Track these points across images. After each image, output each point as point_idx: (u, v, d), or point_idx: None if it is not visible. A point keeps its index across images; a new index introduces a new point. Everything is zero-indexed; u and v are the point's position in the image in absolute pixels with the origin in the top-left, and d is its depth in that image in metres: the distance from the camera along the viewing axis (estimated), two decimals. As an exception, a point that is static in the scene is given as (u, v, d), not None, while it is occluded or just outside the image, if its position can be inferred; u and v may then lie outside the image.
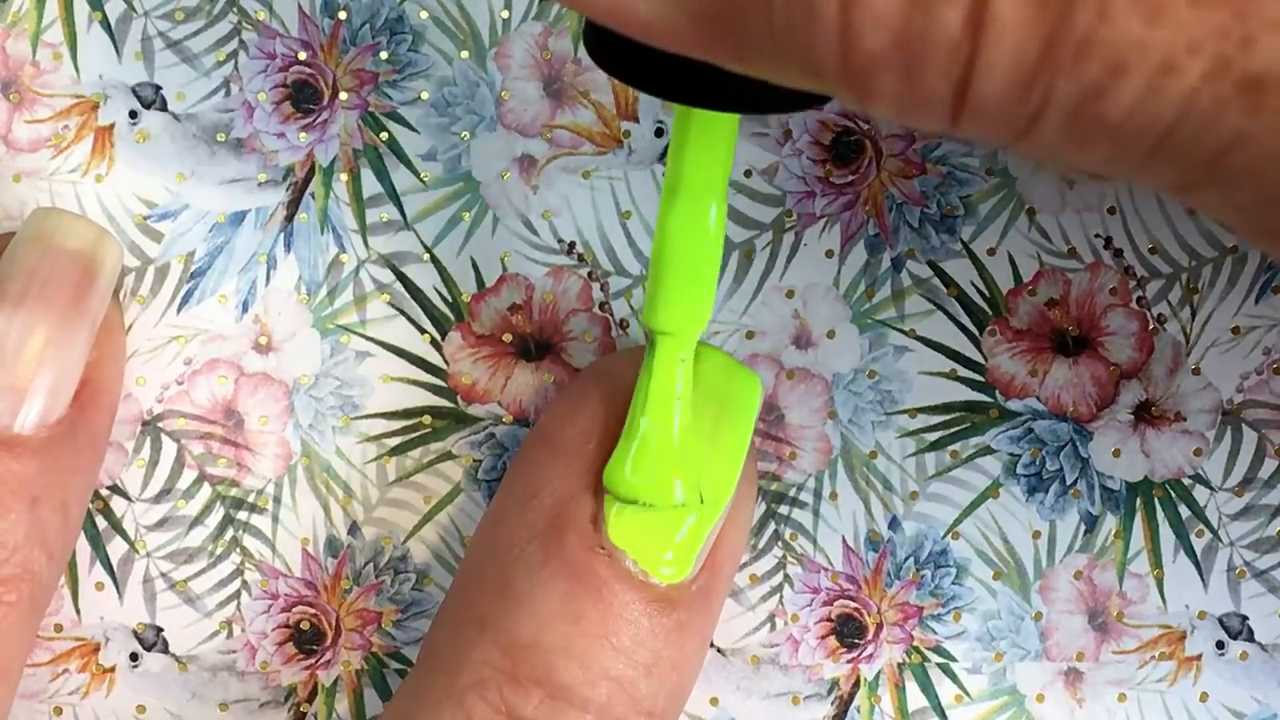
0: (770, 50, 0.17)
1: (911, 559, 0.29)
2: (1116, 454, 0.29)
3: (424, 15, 0.28)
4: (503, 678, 0.25)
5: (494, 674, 0.25)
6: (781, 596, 0.29)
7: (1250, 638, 0.29)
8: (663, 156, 0.28)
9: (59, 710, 0.29)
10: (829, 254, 0.28)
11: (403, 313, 0.28)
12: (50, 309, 0.26)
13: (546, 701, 0.25)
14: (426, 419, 0.29)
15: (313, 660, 0.29)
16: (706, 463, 0.25)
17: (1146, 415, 0.29)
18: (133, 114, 0.28)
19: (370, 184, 0.28)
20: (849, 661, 0.29)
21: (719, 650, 0.29)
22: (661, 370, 0.25)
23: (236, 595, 0.29)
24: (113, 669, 0.29)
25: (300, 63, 0.28)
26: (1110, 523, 0.29)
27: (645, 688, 0.25)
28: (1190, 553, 0.29)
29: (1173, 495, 0.29)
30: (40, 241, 0.27)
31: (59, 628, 0.29)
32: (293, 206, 0.28)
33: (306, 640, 0.29)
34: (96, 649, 0.29)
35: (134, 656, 0.29)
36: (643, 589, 0.25)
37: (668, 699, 0.26)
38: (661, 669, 0.25)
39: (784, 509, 0.29)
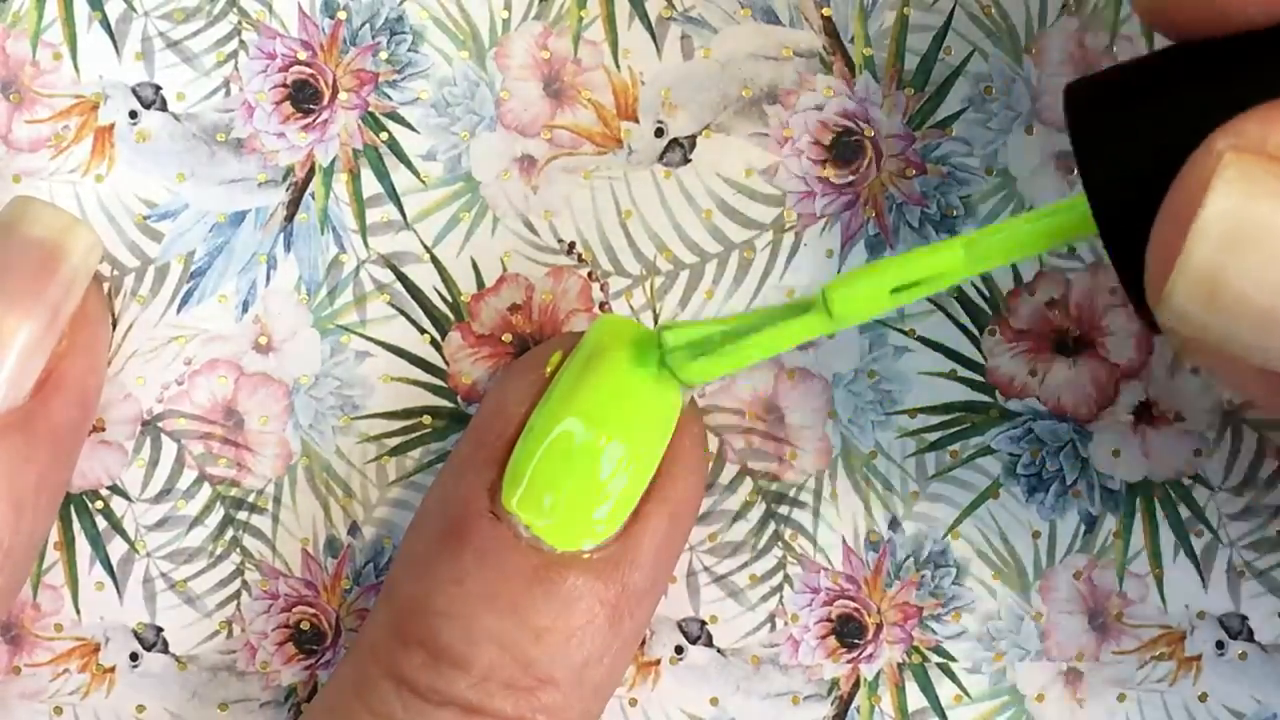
0: None
1: (911, 559, 0.29)
2: (1116, 454, 0.29)
3: (424, 15, 0.28)
4: (393, 639, 0.26)
5: (384, 636, 0.26)
6: (781, 596, 0.29)
7: (1250, 638, 0.29)
8: (662, 156, 0.28)
9: (59, 710, 0.29)
10: (829, 254, 0.28)
11: (403, 313, 0.28)
12: (5, 296, 0.26)
13: (428, 661, 0.25)
14: (426, 419, 0.29)
15: (313, 660, 0.29)
16: (624, 443, 0.26)
17: (1146, 415, 0.29)
18: (133, 114, 0.28)
19: (370, 184, 0.28)
20: (849, 662, 0.29)
21: (719, 650, 0.29)
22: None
23: (236, 595, 0.29)
24: (113, 669, 0.29)
25: (300, 63, 0.28)
26: (1110, 523, 0.29)
27: (536, 653, 0.25)
28: (1190, 553, 0.29)
29: (1173, 495, 0.29)
30: (2, 230, 0.26)
31: (59, 628, 0.29)
32: (293, 206, 0.28)
33: (306, 640, 0.29)
34: (96, 649, 0.29)
35: (134, 656, 0.29)
36: (529, 553, 0.25)
37: (569, 669, 0.25)
38: (555, 637, 0.25)
39: (784, 509, 0.29)
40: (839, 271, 0.29)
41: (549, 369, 0.26)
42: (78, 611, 0.29)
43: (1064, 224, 0.23)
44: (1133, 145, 0.21)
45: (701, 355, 0.25)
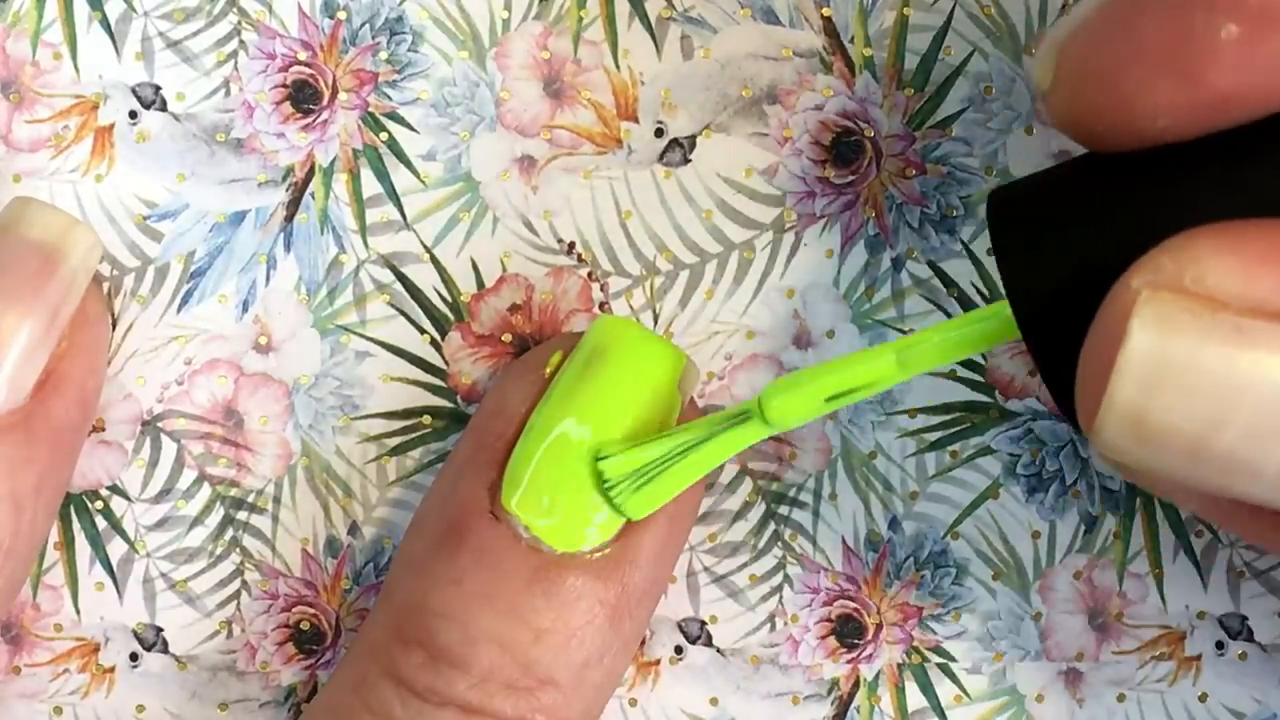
0: None
1: (911, 559, 0.29)
2: (1116, 454, 0.29)
3: (424, 15, 0.28)
4: (392, 639, 0.26)
5: (384, 636, 0.26)
6: (781, 597, 0.29)
7: (1250, 638, 0.29)
8: (662, 156, 0.28)
9: (59, 710, 0.29)
10: (829, 254, 0.28)
11: (402, 313, 0.28)
12: (5, 297, 0.26)
13: (428, 662, 0.25)
14: (426, 419, 0.29)
15: (313, 660, 0.29)
16: (624, 444, 0.26)
17: (1146, 415, 0.29)
18: (133, 114, 0.28)
19: (370, 184, 0.28)
20: (849, 662, 0.29)
21: (719, 650, 0.29)
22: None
23: (236, 595, 0.29)
24: (112, 669, 0.29)
25: (300, 63, 0.28)
26: (1110, 523, 0.29)
27: (536, 654, 0.25)
28: (1190, 553, 0.29)
29: (1173, 495, 0.29)
30: (3, 232, 0.26)
31: (59, 628, 0.29)
32: (293, 206, 0.28)
33: (306, 640, 0.29)
34: (96, 649, 0.29)
35: (134, 656, 0.29)
36: (528, 554, 0.25)
37: (569, 670, 0.25)
38: (555, 637, 0.25)
39: (784, 509, 0.29)
40: (838, 272, 0.29)
41: (549, 369, 0.26)
42: (77, 611, 0.29)
43: (991, 331, 0.24)
44: (1056, 264, 0.22)
45: (645, 483, 0.25)
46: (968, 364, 0.29)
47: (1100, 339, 0.20)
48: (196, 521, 0.29)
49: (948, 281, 0.28)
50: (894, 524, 0.29)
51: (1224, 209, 0.20)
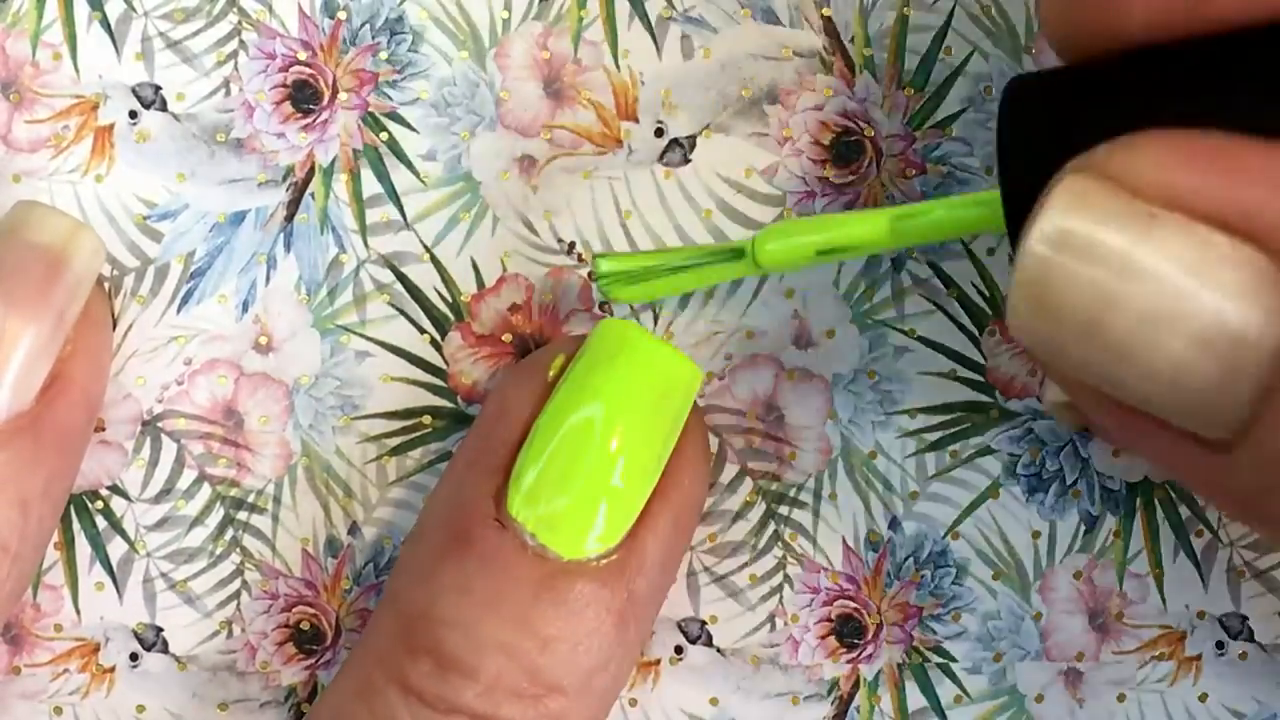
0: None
1: (911, 559, 0.29)
2: (1116, 454, 0.29)
3: (424, 15, 0.28)
4: (399, 647, 0.25)
5: (391, 644, 0.26)
6: (781, 596, 0.29)
7: (1250, 638, 0.29)
8: (662, 156, 0.28)
9: (59, 710, 0.29)
10: (829, 254, 0.29)
11: (403, 313, 0.28)
12: (11, 302, 0.26)
13: (435, 670, 0.25)
14: (426, 419, 0.29)
15: (313, 660, 0.29)
16: (632, 448, 0.25)
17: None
18: (133, 114, 0.28)
19: (370, 184, 0.28)
20: (849, 662, 0.29)
21: (719, 650, 0.29)
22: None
23: (236, 595, 0.29)
24: (113, 669, 0.29)
25: (300, 63, 0.28)
26: (1110, 523, 0.29)
27: (544, 661, 0.25)
28: (1190, 553, 0.29)
29: (1172, 495, 0.29)
30: (8, 235, 0.26)
31: (59, 628, 0.29)
32: (293, 206, 0.28)
33: (306, 640, 0.29)
34: (96, 649, 0.29)
35: (134, 656, 0.29)
36: (535, 562, 0.25)
37: (576, 677, 0.25)
38: (562, 645, 0.25)
39: (784, 509, 0.29)
40: (838, 272, 0.29)
41: (552, 373, 0.26)
42: (78, 612, 0.29)
43: (983, 217, 0.25)
44: (1046, 156, 0.22)
45: (632, 282, 0.27)
46: (968, 364, 0.29)
47: (1031, 217, 0.21)
48: (197, 521, 0.29)
49: (947, 281, 0.28)
50: (894, 524, 0.29)
51: (1193, 114, 0.20)
